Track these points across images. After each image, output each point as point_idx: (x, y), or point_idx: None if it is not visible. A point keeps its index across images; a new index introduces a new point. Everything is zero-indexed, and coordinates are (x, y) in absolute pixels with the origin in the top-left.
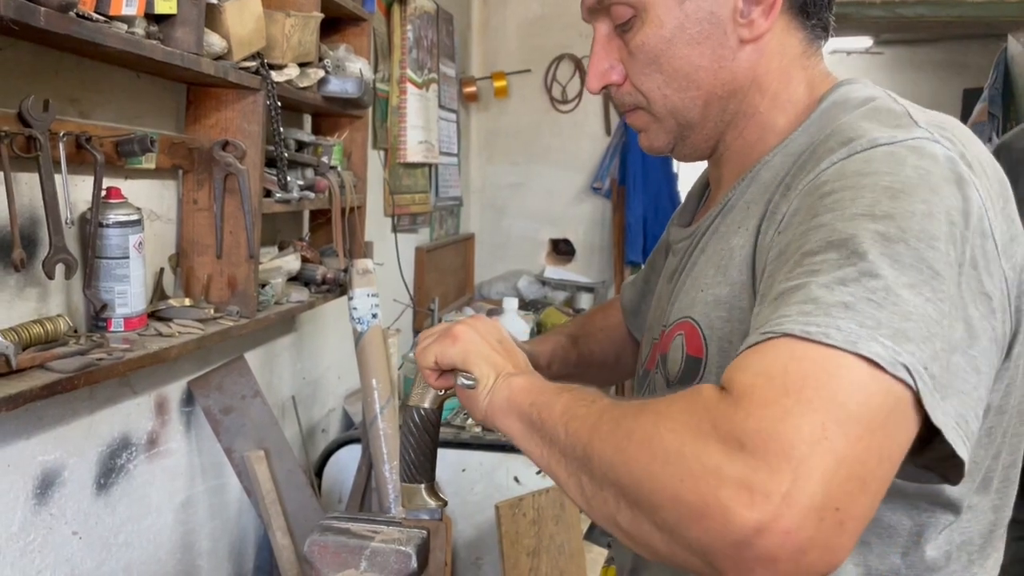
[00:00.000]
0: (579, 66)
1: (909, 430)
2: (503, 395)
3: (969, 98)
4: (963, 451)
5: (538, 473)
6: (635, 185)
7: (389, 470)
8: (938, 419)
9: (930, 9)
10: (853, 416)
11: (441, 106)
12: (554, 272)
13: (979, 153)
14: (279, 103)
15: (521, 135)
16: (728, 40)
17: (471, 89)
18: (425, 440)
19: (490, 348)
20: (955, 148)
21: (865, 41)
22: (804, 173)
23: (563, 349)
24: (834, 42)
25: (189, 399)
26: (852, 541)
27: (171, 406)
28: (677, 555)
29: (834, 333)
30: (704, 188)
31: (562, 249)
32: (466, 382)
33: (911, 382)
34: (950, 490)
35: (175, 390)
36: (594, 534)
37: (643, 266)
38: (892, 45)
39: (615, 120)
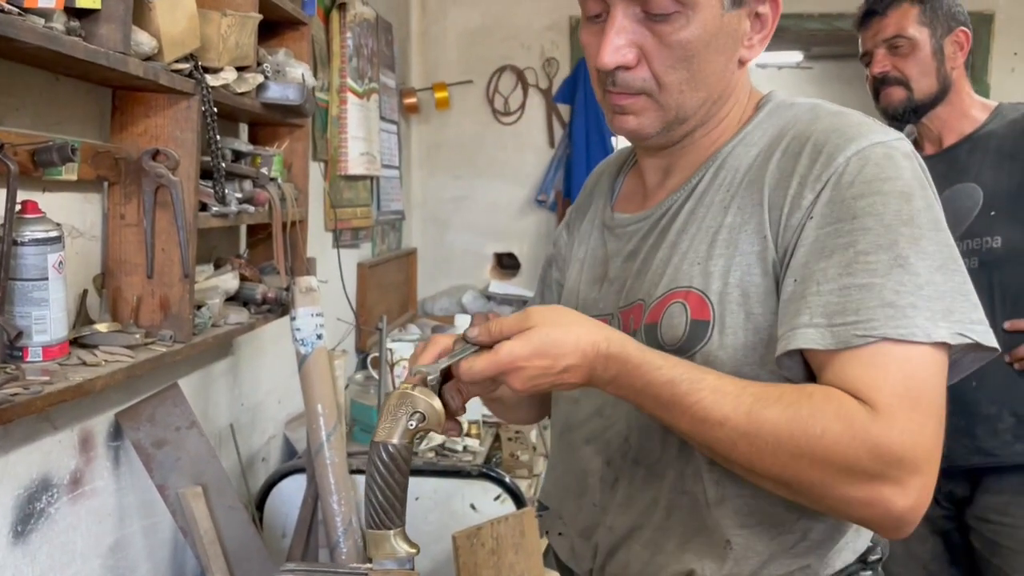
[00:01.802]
0: (521, 77)
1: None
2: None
3: None
4: (994, 340)
5: (496, 499)
6: None
7: (337, 502)
8: (987, 341)
9: None
10: (940, 410)
11: (382, 117)
12: (499, 287)
13: None
14: (215, 109)
15: (463, 147)
16: (735, 56)
17: (411, 100)
18: (395, 481)
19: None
20: (907, 141)
21: (796, 56)
22: (814, 165)
23: None
24: (766, 56)
25: (117, 432)
26: None
27: (97, 441)
28: (839, 512)
29: (917, 332)
30: (615, 180)
31: (506, 263)
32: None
33: (969, 340)
34: None
35: (101, 423)
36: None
37: (536, 289)
38: (821, 60)
39: (559, 132)
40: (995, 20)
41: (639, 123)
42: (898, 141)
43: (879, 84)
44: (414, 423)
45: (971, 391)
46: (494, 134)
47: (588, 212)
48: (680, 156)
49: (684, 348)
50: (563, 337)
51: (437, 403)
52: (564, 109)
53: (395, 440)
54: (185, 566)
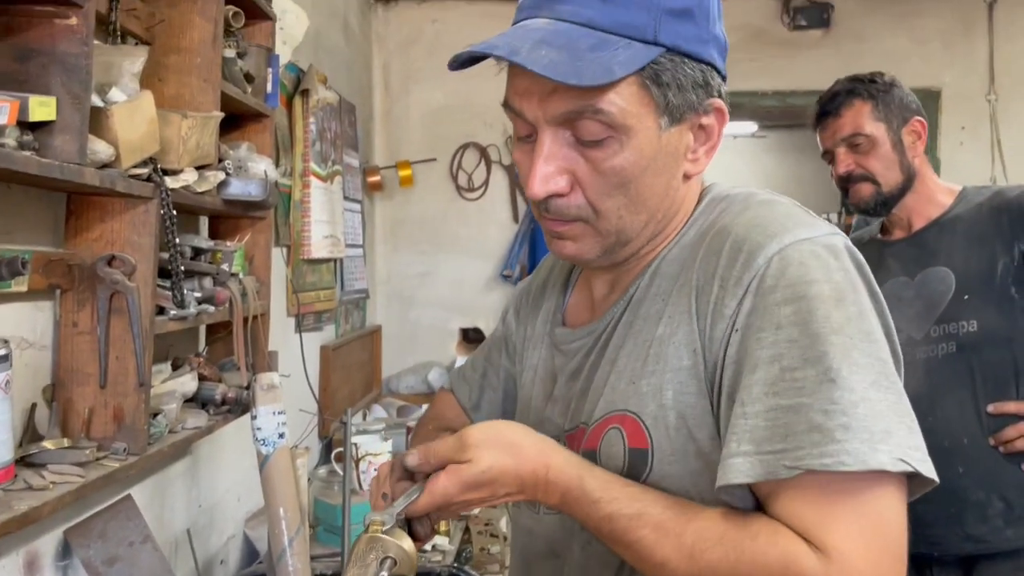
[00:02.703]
0: (484, 154)
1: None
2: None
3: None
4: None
5: None
6: None
7: None
8: (927, 472)
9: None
10: (900, 548)
11: (346, 197)
12: None
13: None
14: (174, 211)
15: (428, 224)
16: (679, 173)
17: (375, 178)
18: None
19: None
20: (842, 235)
21: (751, 126)
22: (733, 265)
23: None
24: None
25: (66, 551)
26: None
27: (44, 563)
28: None
29: (849, 460)
30: (567, 278)
31: (472, 337)
32: None
33: (910, 468)
34: None
35: (48, 543)
36: None
37: (475, 361)
38: (776, 129)
39: (523, 207)
40: (942, 96)
41: (577, 249)
42: (828, 236)
43: (846, 182)
44: (385, 572)
45: (958, 478)
46: (458, 210)
47: (541, 309)
48: (625, 272)
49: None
50: (500, 466)
51: (408, 543)
52: None
53: None
54: None
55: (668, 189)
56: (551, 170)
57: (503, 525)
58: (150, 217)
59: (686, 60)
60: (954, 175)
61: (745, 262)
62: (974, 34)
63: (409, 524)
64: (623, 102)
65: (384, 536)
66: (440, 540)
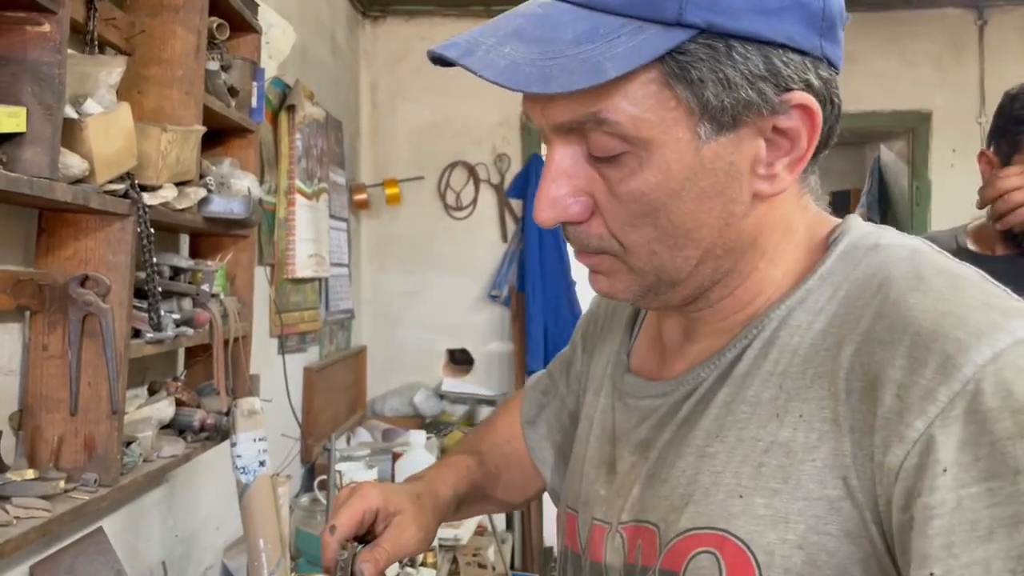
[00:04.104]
0: (472, 172)
1: None
2: None
3: (838, 199)
4: None
5: None
6: (534, 293)
7: None
8: None
9: None
10: None
11: (332, 215)
12: (452, 384)
13: None
14: (151, 229)
15: (415, 243)
16: (743, 195)
17: (362, 196)
18: None
19: None
20: None
21: None
22: (919, 370)
23: (467, 470)
24: None
25: None
26: None
27: None
28: None
29: None
30: (633, 318)
31: (459, 359)
32: None
33: None
34: None
35: None
36: None
37: (545, 374)
38: None
39: (511, 227)
40: (932, 118)
41: (611, 286)
42: None
43: None
44: None
45: None
46: (446, 229)
47: (605, 344)
48: (698, 320)
49: None
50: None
51: None
52: (517, 204)
53: None
54: None
55: (728, 217)
56: (562, 192)
57: (491, 554)
58: (126, 235)
59: (735, 43)
60: (944, 197)
61: (941, 370)
62: (965, 56)
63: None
64: (635, 108)
65: None
66: (427, 573)
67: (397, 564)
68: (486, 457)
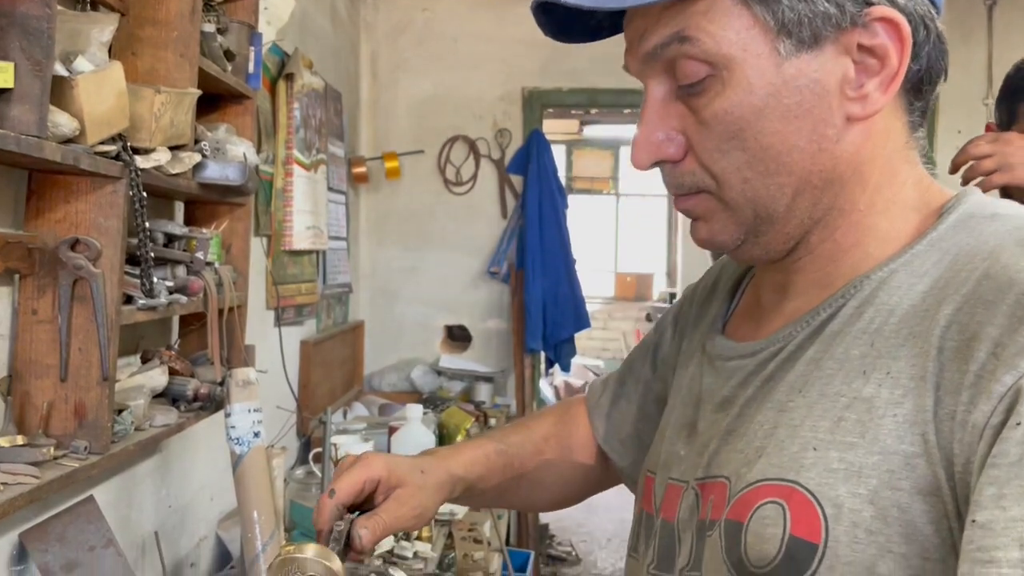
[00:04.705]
0: (473, 147)
1: None
2: None
3: None
4: None
5: None
6: (534, 269)
7: None
8: None
9: None
10: None
11: (330, 188)
12: (450, 360)
13: None
14: (144, 193)
15: (414, 217)
16: (833, 116)
17: (361, 170)
18: None
19: None
20: None
21: None
22: (1019, 329)
23: (486, 456)
24: None
25: (21, 555)
26: None
27: None
28: None
29: None
30: (735, 287)
31: (457, 335)
32: None
33: None
34: None
35: (2, 546)
36: None
37: (613, 373)
38: None
39: (511, 203)
40: (938, 99)
41: (710, 231)
42: None
43: None
44: None
45: None
46: (445, 204)
47: (705, 318)
48: (797, 272)
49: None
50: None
51: (335, 564)
52: (517, 180)
53: None
54: None
55: (820, 140)
56: (656, 132)
57: (487, 529)
58: (118, 198)
59: None
60: (950, 177)
61: None
62: (973, 38)
63: (349, 538)
64: (714, 25)
65: (299, 556)
66: (422, 546)
67: (392, 537)
68: (512, 450)
